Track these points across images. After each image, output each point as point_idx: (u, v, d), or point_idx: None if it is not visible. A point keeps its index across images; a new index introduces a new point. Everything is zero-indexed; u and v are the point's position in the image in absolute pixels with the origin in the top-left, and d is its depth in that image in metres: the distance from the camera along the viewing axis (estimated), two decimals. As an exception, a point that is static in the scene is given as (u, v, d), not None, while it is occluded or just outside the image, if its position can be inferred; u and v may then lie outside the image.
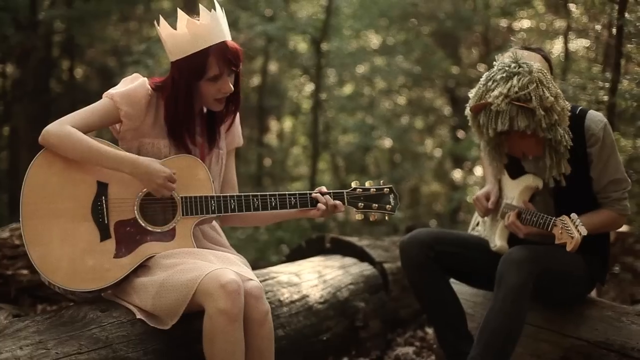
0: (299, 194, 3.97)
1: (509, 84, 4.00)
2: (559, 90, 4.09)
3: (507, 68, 4.06)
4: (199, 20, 3.82)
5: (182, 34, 3.80)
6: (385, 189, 4.11)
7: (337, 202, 4.01)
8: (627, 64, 7.69)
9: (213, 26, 3.80)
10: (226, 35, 3.85)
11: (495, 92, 4.01)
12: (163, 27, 3.86)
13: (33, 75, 12.15)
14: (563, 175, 4.23)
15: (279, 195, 3.95)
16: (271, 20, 12.05)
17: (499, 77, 4.06)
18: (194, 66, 3.79)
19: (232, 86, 3.86)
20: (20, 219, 3.66)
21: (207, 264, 3.56)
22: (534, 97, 3.97)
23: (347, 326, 5.24)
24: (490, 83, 4.09)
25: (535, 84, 3.99)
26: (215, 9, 3.86)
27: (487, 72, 4.17)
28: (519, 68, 4.04)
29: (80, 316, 3.60)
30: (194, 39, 3.78)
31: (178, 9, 3.88)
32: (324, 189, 4.04)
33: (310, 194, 3.99)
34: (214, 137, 4.04)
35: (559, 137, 4.09)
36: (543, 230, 4.15)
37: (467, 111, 4.24)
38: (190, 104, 3.88)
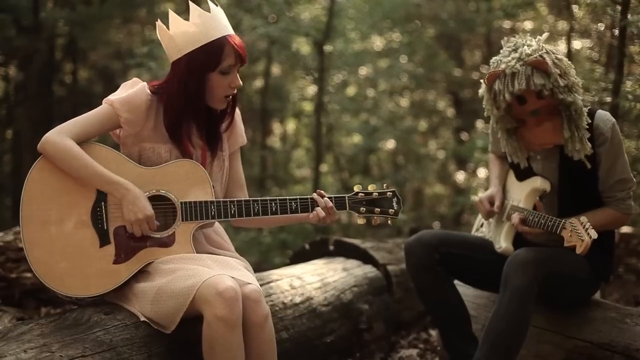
0: (300, 199, 3.94)
1: (520, 50, 4.09)
2: (570, 62, 4.13)
3: (515, 43, 4.16)
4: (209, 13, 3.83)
5: (195, 25, 3.79)
6: (388, 193, 4.06)
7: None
8: (630, 65, 7.69)
9: (222, 18, 3.83)
10: (231, 27, 3.87)
11: (508, 58, 4.08)
12: (173, 22, 3.83)
13: (36, 79, 12.17)
14: (585, 158, 4.22)
15: (279, 200, 3.93)
16: (274, 22, 12.05)
17: (507, 51, 4.15)
18: (210, 55, 3.76)
19: (240, 82, 3.85)
20: (20, 224, 3.66)
21: (205, 270, 3.54)
22: (547, 58, 4.02)
23: (351, 328, 5.23)
24: (500, 58, 4.17)
25: (545, 51, 4.06)
26: (217, 5, 3.88)
27: (496, 56, 4.23)
28: (527, 42, 4.11)
29: (84, 319, 3.60)
30: (207, 29, 3.77)
31: (190, 1, 3.88)
32: (322, 192, 4.02)
33: (311, 198, 3.96)
34: (216, 140, 4.03)
35: (580, 104, 4.10)
36: (551, 232, 4.14)
37: (481, 90, 4.28)
38: (200, 99, 3.85)
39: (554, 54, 4.08)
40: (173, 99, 3.83)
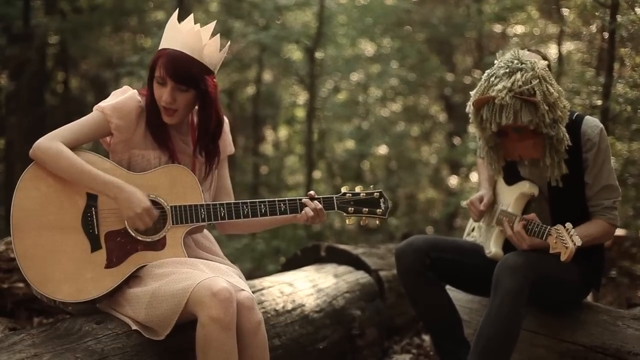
0: (289, 200, 3.98)
1: (513, 78, 4.02)
2: (560, 89, 4.12)
3: (509, 64, 4.09)
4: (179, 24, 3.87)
5: (165, 30, 3.88)
6: (375, 194, 4.10)
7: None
8: (621, 68, 7.70)
9: (185, 34, 3.81)
10: (191, 51, 3.81)
11: (499, 86, 4.02)
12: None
13: (27, 88, 12.15)
14: (561, 177, 4.23)
15: (268, 202, 3.95)
16: (265, 29, 12.07)
17: (501, 72, 4.08)
18: (151, 61, 3.85)
19: (171, 99, 3.79)
20: (11, 232, 3.66)
21: (199, 273, 3.55)
22: (537, 92, 3.99)
23: (344, 334, 5.22)
24: (492, 79, 4.10)
25: (538, 80, 4.02)
26: (205, 28, 3.88)
27: (489, 70, 4.19)
28: (521, 64, 4.06)
29: (75, 329, 3.59)
30: (165, 36, 3.86)
31: (178, 9, 3.91)
32: (313, 193, 4.04)
33: (300, 199, 3.99)
34: (210, 150, 4.04)
35: (561, 135, 4.10)
36: (538, 238, 4.15)
37: (469, 107, 4.24)
38: (155, 103, 3.87)
39: (546, 82, 4.04)
40: (147, 102, 3.90)
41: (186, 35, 3.81)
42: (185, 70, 3.78)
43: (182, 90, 3.80)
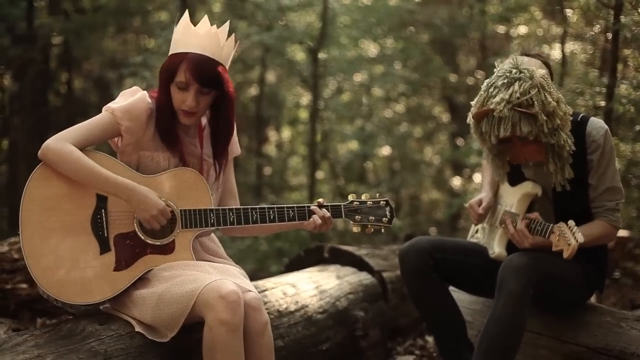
0: (297, 207, 3.98)
1: (511, 89, 4.00)
2: (560, 95, 4.10)
3: (507, 74, 4.07)
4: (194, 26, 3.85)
5: (177, 33, 3.86)
6: (382, 202, 4.12)
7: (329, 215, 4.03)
8: (625, 69, 7.70)
9: (203, 37, 3.81)
10: (213, 54, 3.81)
11: (497, 99, 4.01)
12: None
13: (31, 88, 12.14)
14: (567, 180, 4.23)
15: (277, 208, 3.96)
16: (268, 29, 12.06)
17: (500, 83, 4.06)
18: (169, 66, 3.81)
19: (195, 103, 3.80)
20: (20, 233, 3.64)
21: (206, 275, 3.55)
22: (536, 102, 3.97)
23: (347, 336, 5.22)
24: (491, 89, 4.09)
25: (536, 89, 3.99)
26: (221, 29, 3.87)
27: (488, 79, 4.18)
28: (519, 74, 4.04)
29: (78, 329, 3.58)
30: (181, 39, 3.83)
31: (187, 10, 3.89)
32: (322, 201, 4.04)
33: (309, 206, 4.00)
34: (219, 152, 4.05)
35: (562, 141, 4.09)
36: (541, 236, 4.15)
37: (469, 119, 4.23)
38: (170, 106, 3.86)
39: (544, 91, 4.03)
40: (158, 105, 3.88)
41: (205, 37, 3.80)
42: (210, 73, 3.79)
43: (205, 93, 3.81)
